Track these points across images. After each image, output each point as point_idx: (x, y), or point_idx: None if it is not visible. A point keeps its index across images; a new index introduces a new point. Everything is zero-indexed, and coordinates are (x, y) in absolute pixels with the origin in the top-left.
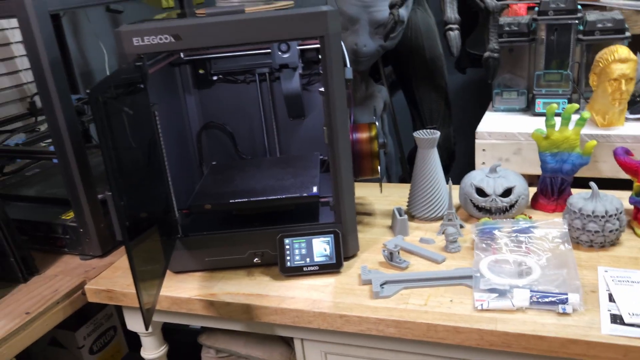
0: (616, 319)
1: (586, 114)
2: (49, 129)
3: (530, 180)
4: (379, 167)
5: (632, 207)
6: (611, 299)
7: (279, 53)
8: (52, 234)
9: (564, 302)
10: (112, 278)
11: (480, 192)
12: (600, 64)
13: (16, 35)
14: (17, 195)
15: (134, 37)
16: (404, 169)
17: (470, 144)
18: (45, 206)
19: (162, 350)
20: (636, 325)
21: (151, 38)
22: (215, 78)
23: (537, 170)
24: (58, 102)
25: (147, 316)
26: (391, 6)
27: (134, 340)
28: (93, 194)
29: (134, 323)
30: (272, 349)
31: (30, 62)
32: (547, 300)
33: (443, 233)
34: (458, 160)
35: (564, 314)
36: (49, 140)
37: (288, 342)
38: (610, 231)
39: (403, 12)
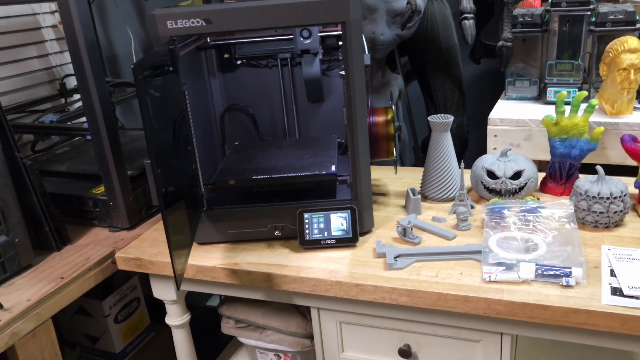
0: (616, 291)
1: (594, 101)
2: (84, 107)
3: (540, 166)
4: (394, 150)
5: (637, 191)
6: (613, 274)
7: (301, 39)
8: (83, 207)
9: (568, 275)
10: (140, 247)
11: (491, 174)
12: (611, 54)
13: (47, 20)
14: (49, 170)
15: (168, 20)
16: (417, 156)
17: (483, 132)
18: (76, 181)
19: (186, 317)
20: (635, 297)
21: (184, 21)
22: (239, 62)
23: (547, 156)
24: (93, 82)
25: (179, 279)
26: None
27: (155, 312)
28: (123, 169)
29: (161, 291)
30: (288, 319)
31: (68, 44)
32: (551, 273)
33: (454, 212)
34: (471, 148)
35: (567, 286)
36: (80, 120)
37: (304, 314)
38: (615, 212)
39: (420, 2)
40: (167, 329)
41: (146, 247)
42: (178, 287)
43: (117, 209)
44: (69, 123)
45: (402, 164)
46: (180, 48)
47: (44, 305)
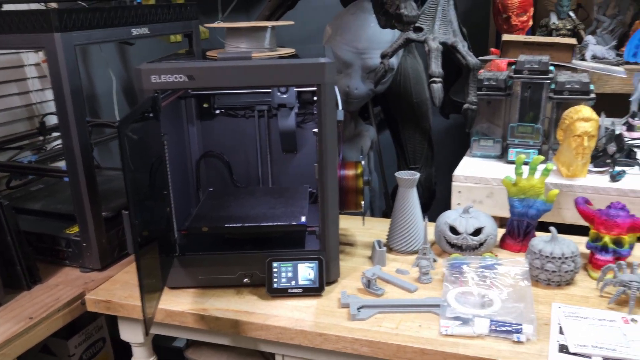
0: (563, 348)
1: (550, 165)
2: (64, 149)
3: (501, 222)
4: (362, 202)
5: (588, 251)
6: (561, 331)
7: (278, 94)
8: (56, 247)
9: (519, 331)
10: (110, 290)
11: (453, 230)
12: (566, 121)
13: (30, 58)
14: (23, 208)
15: (153, 74)
16: (387, 203)
17: (451, 184)
18: (49, 220)
19: None
20: (580, 354)
21: (167, 76)
22: (217, 112)
23: (507, 213)
24: (75, 127)
25: (148, 323)
26: (382, 56)
27: (121, 352)
28: (98, 210)
29: (128, 333)
30: None
31: (53, 89)
32: (504, 329)
33: (417, 265)
34: (438, 198)
35: (518, 342)
36: (58, 161)
37: (268, 359)
38: (566, 271)
39: (393, 61)
40: None
41: (117, 289)
42: (147, 332)
43: (89, 250)
44: (47, 163)
45: (372, 211)
46: (163, 98)
47: (11, 346)
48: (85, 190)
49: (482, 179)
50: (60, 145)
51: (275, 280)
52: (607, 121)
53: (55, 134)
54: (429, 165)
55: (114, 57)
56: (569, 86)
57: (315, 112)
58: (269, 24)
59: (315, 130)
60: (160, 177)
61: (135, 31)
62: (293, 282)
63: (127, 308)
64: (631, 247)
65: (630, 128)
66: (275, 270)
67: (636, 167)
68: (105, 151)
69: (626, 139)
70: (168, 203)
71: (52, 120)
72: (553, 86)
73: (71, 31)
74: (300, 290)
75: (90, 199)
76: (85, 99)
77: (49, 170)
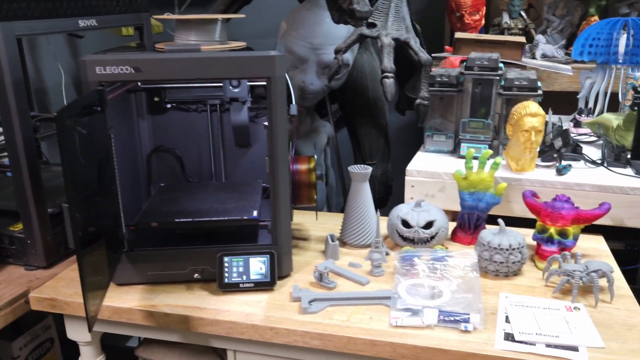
0: (509, 336)
1: (499, 159)
2: (6, 143)
3: (452, 215)
4: (315, 197)
5: (535, 243)
6: (507, 320)
7: (230, 87)
8: None
9: (466, 321)
10: (55, 287)
11: (405, 223)
12: (515, 117)
13: None
14: None
15: (97, 66)
16: (345, 199)
17: (405, 179)
18: None
19: (99, 359)
20: (524, 342)
21: (113, 68)
22: (168, 106)
23: (458, 207)
24: (17, 120)
25: (91, 321)
26: (336, 51)
27: (70, 354)
28: (43, 207)
29: (75, 332)
30: None
31: None
32: (452, 319)
33: (370, 259)
34: (394, 194)
35: (466, 331)
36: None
37: (221, 356)
38: (513, 262)
39: (348, 56)
40: None
41: (62, 287)
42: (90, 329)
43: (34, 248)
44: None
45: (330, 208)
46: (110, 91)
47: None
48: (29, 185)
49: (434, 173)
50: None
51: (226, 275)
52: (554, 118)
53: None
54: (385, 161)
55: (63, 51)
56: (517, 83)
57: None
58: (219, 16)
59: (266, 123)
60: (108, 173)
61: (82, 22)
62: (244, 277)
63: (72, 306)
64: (575, 238)
65: (577, 124)
66: (226, 265)
67: (582, 162)
68: (55, 146)
69: (573, 135)
70: (116, 198)
71: None
72: (502, 83)
73: (12, 20)
74: (251, 284)
75: (35, 195)
76: (34, 92)
77: None
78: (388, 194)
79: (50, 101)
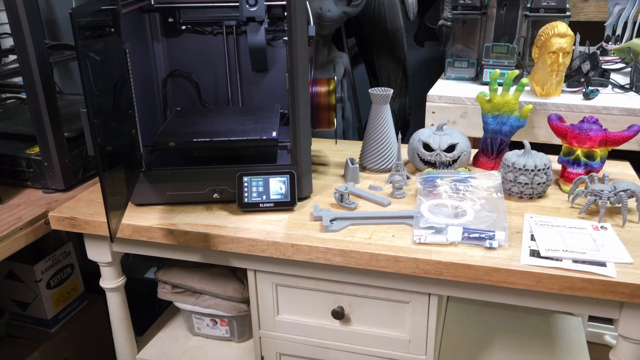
0: (534, 253)
1: (525, 80)
2: (20, 64)
3: (474, 143)
4: (335, 120)
5: (560, 166)
6: (532, 238)
7: (247, 6)
8: (16, 167)
9: (491, 238)
10: (75, 208)
11: (427, 147)
12: (542, 38)
13: None
14: None
15: None
16: (361, 137)
17: (424, 115)
18: (9, 141)
19: (121, 280)
20: (550, 258)
21: None
22: (183, 28)
23: (481, 133)
24: (30, 39)
25: (113, 233)
26: None
27: (91, 283)
28: (59, 129)
29: (95, 252)
30: (225, 284)
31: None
32: (476, 236)
33: (390, 181)
34: (411, 130)
35: (491, 248)
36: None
37: (240, 279)
38: (538, 184)
39: None
40: (102, 299)
41: (81, 207)
42: (112, 239)
43: (52, 170)
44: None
45: None
46: (122, 6)
47: None
48: (45, 107)
49: (456, 98)
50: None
51: (246, 194)
52: (581, 48)
53: (12, 57)
54: (403, 95)
55: None
56: (545, 3)
57: (285, 28)
58: None
59: (286, 38)
60: (124, 95)
61: None
62: (264, 197)
63: (93, 225)
64: (602, 160)
65: (604, 52)
66: (245, 184)
67: (609, 87)
68: (67, 78)
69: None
70: (133, 121)
71: (9, 42)
72: (529, 4)
73: None
74: (271, 204)
75: (50, 116)
76: (45, 23)
77: (5, 85)
78: (405, 129)
79: (61, 32)
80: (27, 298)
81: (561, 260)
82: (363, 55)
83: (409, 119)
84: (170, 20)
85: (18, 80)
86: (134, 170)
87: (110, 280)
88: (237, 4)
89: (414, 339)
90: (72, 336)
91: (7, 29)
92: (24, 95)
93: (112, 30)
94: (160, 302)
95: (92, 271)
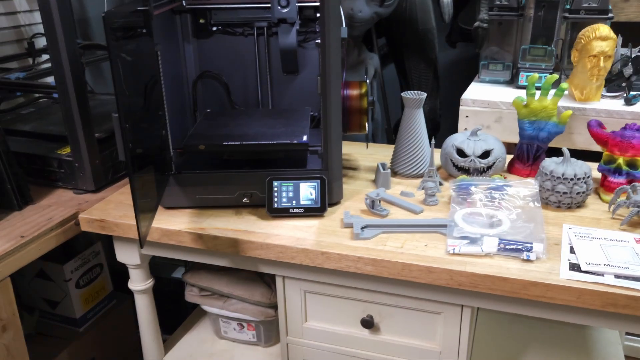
0: (574, 267)
1: (565, 84)
2: (52, 64)
3: (509, 148)
4: (366, 124)
5: (600, 175)
6: (572, 251)
7: (279, 7)
8: (47, 167)
9: (529, 249)
10: (105, 209)
11: (461, 152)
12: (582, 41)
13: None
14: (13, 129)
15: None
16: (389, 138)
17: (455, 118)
18: (40, 141)
19: (149, 283)
20: (591, 272)
21: None
22: (214, 29)
23: (516, 139)
24: (62, 38)
25: (143, 238)
26: None
27: (119, 282)
28: (90, 130)
29: (124, 254)
30: (253, 289)
31: (40, 5)
32: (513, 247)
33: (423, 188)
34: (442, 133)
35: (528, 260)
36: (48, 80)
37: (268, 284)
38: (578, 193)
39: None
40: (130, 298)
41: (111, 209)
42: (142, 245)
43: (82, 171)
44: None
45: None
46: (154, 8)
47: (3, 263)
48: (76, 108)
49: (490, 102)
50: (49, 65)
51: (275, 199)
52: (622, 50)
53: (45, 57)
54: (434, 96)
55: None
56: (585, 5)
57: (317, 30)
58: None
59: (319, 41)
60: (155, 97)
61: None
62: (294, 202)
63: (122, 227)
64: None
65: None
66: (275, 189)
67: None
68: (99, 77)
69: None
70: (163, 123)
71: (42, 42)
72: (568, 5)
73: None
74: (301, 210)
75: (82, 117)
76: (77, 22)
77: (38, 86)
78: (435, 131)
79: (93, 32)
80: (57, 297)
81: (603, 275)
82: (393, 56)
83: (439, 122)
84: (201, 21)
85: (50, 80)
86: (163, 173)
87: (139, 283)
88: (269, 5)
89: (445, 351)
90: (100, 335)
91: (40, 28)
92: (55, 96)
93: (144, 31)
94: (187, 302)
95: (121, 269)
